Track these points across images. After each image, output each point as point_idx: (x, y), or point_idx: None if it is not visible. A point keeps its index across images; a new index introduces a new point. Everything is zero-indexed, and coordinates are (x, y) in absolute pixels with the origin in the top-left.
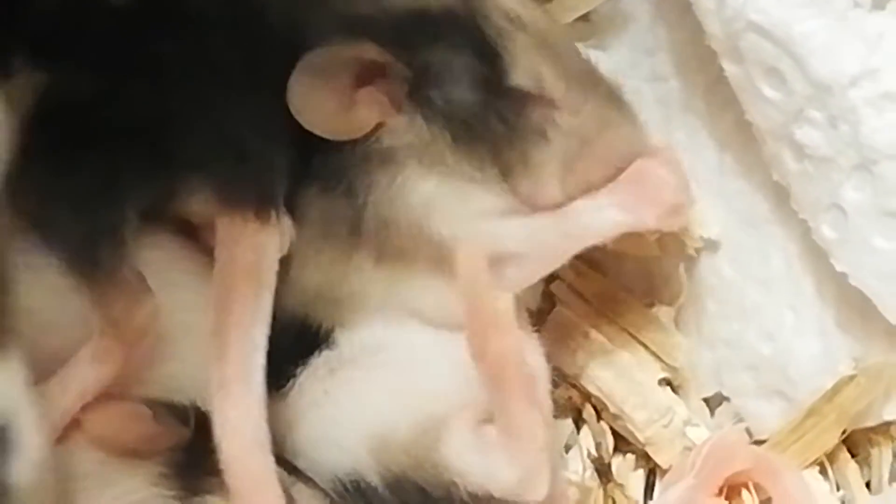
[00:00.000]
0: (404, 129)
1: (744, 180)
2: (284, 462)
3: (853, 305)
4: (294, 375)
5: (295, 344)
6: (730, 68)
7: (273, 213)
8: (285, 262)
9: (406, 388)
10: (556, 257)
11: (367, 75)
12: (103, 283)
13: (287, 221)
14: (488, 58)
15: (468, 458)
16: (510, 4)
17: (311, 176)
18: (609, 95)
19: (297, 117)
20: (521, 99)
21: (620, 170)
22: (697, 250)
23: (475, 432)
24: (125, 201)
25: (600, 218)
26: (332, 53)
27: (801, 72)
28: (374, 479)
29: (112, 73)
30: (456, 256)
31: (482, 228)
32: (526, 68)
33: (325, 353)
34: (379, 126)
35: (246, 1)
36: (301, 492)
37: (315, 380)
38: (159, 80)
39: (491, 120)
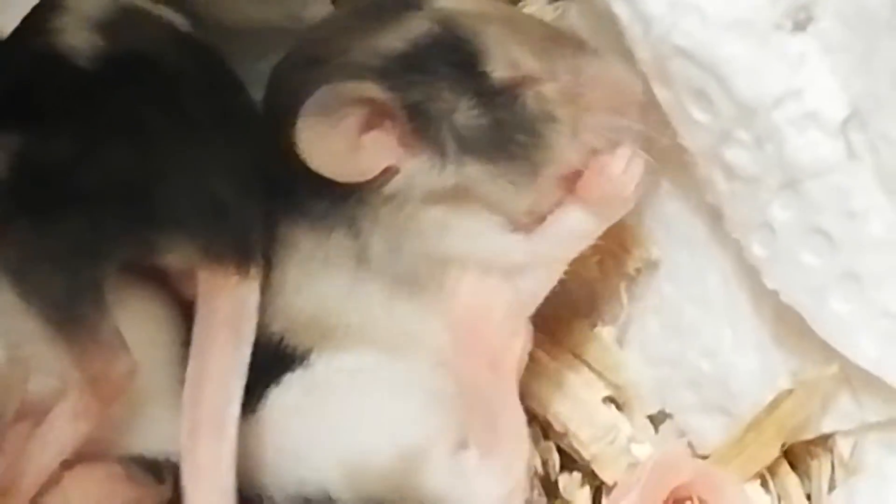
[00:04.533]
0: (418, 170)
1: (681, 202)
2: None
3: (789, 321)
4: (265, 395)
5: (268, 364)
6: (660, 92)
7: (252, 266)
8: (273, 289)
9: (383, 415)
10: (557, 267)
11: (374, 119)
12: (83, 340)
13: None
14: (471, 66)
15: (449, 484)
16: (472, 5)
17: (297, 210)
18: (567, 44)
19: (305, 160)
20: (511, 89)
21: (622, 97)
22: (637, 270)
23: (455, 459)
24: (106, 258)
25: (576, 225)
26: (336, 91)
27: (726, 94)
28: (344, 499)
29: (87, 134)
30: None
31: (491, 243)
32: (501, 57)
33: (300, 373)
34: (389, 170)
35: (216, 59)
36: None
37: (287, 397)
38: (136, 139)
39: (504, 127)
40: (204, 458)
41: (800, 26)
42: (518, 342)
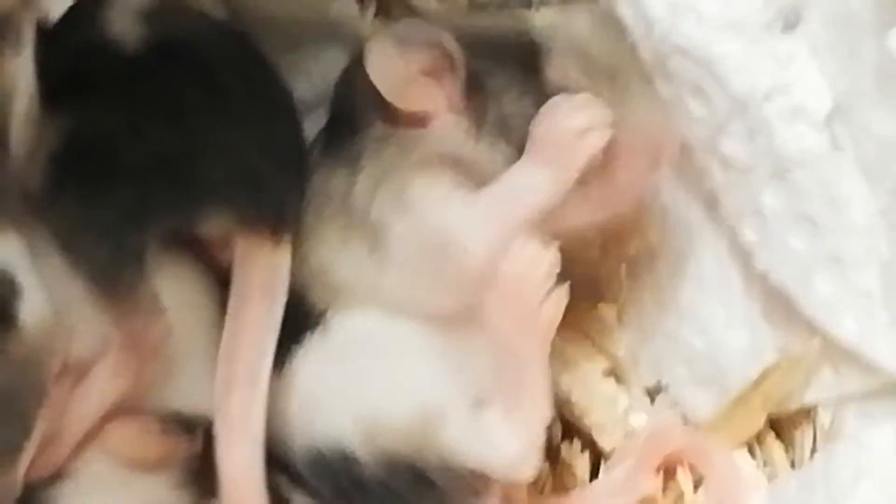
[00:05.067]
0: (451, 131)
1: (679, 189)
2: (286, 469)
3: (777, 300)
4: (289, 353)
5: (293, 322)
6: (662, 88)
7: (286, 235)
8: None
9: (399, 374)
10: (515, 225)
11: (439, 67)
12: (123, 303)
13: None
14: (532, 63)
15: (469, 441)
16: (548, 20)
17: (330, 156)
18: (619, 79)
19: (367, 70)
20: (554, 93)
21: (655, 141)
22: (637, 252)
23: (474, 416)
24: (149, 228)
25: (529, 180)
26: (421, 27)
27: (721, 89)
28: (361, 455)
29: (133, 113)
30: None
31: (446, 205)
32: (559, 65)
33: (319, 334)
34: (427, 116)
35: (250, 45)
36: (299, 500)
37: (308, 357)
38: (177, 118)
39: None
40: (237, 408)
41: (789, 27)
42: (554, 306)
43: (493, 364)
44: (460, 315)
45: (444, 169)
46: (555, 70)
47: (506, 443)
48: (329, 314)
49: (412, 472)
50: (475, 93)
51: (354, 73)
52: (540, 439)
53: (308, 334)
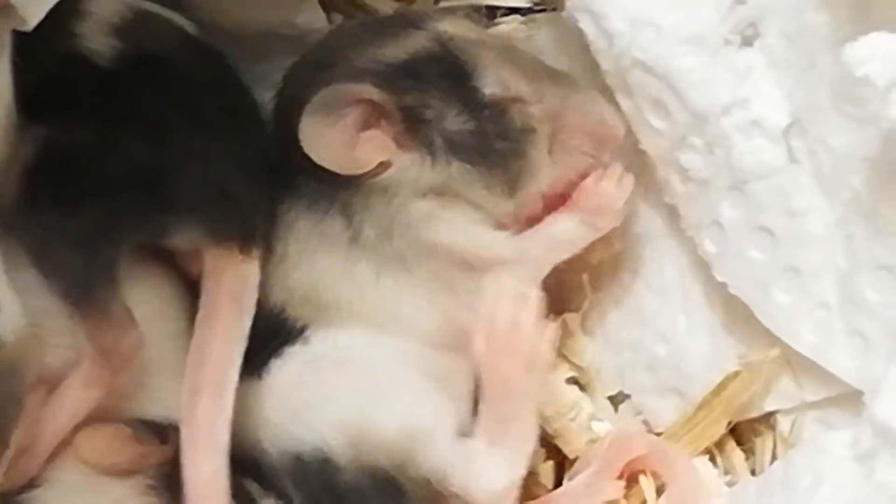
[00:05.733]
0: (409, 166)
1: (641, 200)
2: (258, 477)
3: (737, 309)
4: (267, 363)
5: (271, 333)
6: (622, 101)
7: (255, 248)
8: (275, 262)
9: (389, 391)
10: (541, 268)
11: (372, 119)
12: (96, 316)
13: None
14: (464, 80)
15: (453, 466)
16: (471, 34)
17: (297, 193)
18: (558, 77)
19: (307, 152)
20: (500, 105)
21: (594, 126)
22: (601, 262)
23: (460, 443)
24: (120, 241)
25: (568, 232)
26: (337, 91)
27: (681, 103)
28: (342, 461)
29: (106, 127)
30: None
31: (478, 236)
32: (493, 78)
33: (299, 347)
34: (382, 164)
35: (222, 60)
36: None
37: (288, 368)
38: (150, 132)
39: (488, 135)
40: (202, 415)
41: (747, 42)
42: (547, 344)
43: (484, 396)
44: (446, 342)
45: (447, 202)
46: (490, 82)
47: (490, 474)
48: (310, 330)
49: (390, 485)
50: (416, 125)
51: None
52: (522, 472)
53: (287, 348)
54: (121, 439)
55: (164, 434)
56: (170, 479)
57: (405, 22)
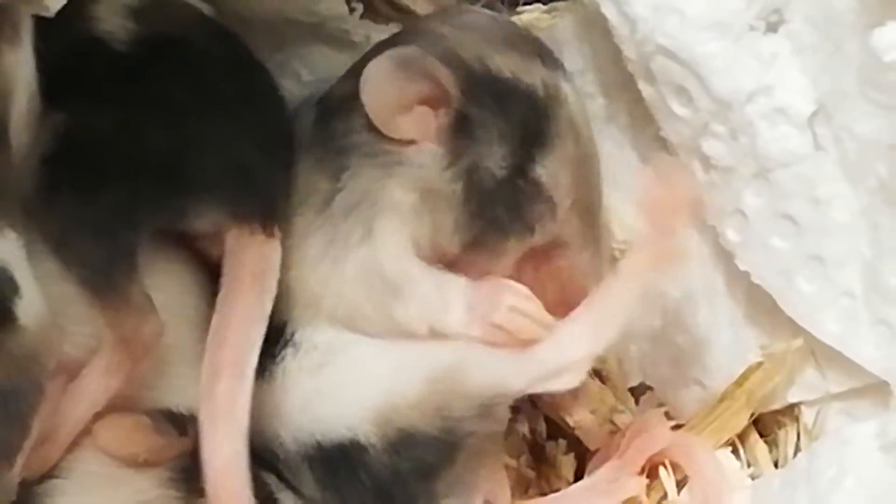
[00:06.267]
0: (431, 159)
1: None
2: (275, 468)
3: (759, 300)
4: (278, 360)
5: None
6: (645, 88)
7: (276, 227)
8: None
9: (406, 356)
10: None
11: (432, 100)
12: (116, 303)
13: None
14: (532, 142)
15: (496, 370)
16: (580, 117)
17: (313, 156)
18: (594, 222)
19: (362, 86)
20: (536, 189)
21: (571, 284)
22: (622, 253)
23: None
24: (140, 227)
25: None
26: (424, 58)
27: (704, 90)
28: (372, 440)
29: (123, 110)
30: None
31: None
32: (553, 168)
33: (291, 347)
34: (411, 142)
35: (239, 42)
36: (288, 499)
37: (298, 365)
38: (168, 115)
39: (503, 197)
40: (222, 396)
41: (772, 28)
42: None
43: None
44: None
45: (411, 215)
46: (548, 168)
47: (580, 345)
48: (292, 327)
49: (426, 448)
50: (460, 135)
51: (354, 83)
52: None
53: (279, 346)
54: (140, 429)
55: (184, 426)
56: (190, 473)
57: (539, 49)
